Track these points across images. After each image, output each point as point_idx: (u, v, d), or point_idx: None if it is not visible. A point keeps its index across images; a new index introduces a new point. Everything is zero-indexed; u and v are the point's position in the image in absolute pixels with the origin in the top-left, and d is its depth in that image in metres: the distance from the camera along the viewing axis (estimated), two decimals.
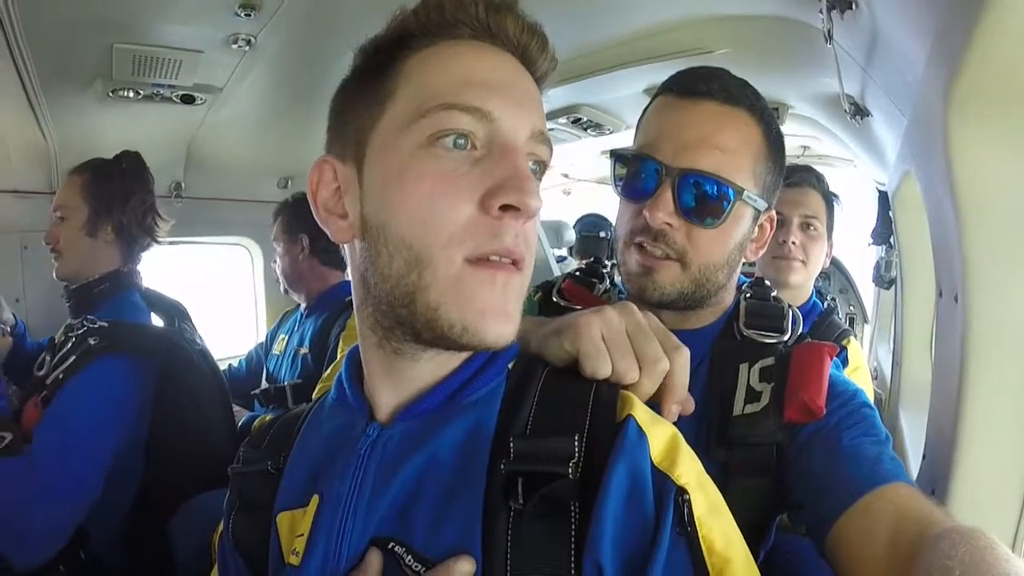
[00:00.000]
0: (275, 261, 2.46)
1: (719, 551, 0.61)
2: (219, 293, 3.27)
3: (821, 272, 2.01)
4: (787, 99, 2.23)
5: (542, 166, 0.69)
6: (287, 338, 2.44)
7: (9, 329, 1.92)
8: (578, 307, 1.02)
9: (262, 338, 2.75)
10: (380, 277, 0.65)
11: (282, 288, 2.49)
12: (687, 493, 0.61)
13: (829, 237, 1.96)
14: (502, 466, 0.62)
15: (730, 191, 0.92)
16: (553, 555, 0.59)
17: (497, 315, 0.63)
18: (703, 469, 0.66)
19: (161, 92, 1.96)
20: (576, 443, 0.62)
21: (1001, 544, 0.62)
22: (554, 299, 1.12)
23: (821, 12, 1.23)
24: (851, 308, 3.31)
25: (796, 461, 0.87)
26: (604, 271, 1.19)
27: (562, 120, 2.69)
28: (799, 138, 2.97)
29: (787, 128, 2.42)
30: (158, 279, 2.05)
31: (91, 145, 1.98)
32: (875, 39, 1.19)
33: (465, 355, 0.70)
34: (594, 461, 0.62)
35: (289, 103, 2.22)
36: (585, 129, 2.82)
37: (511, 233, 0.62)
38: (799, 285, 1.90)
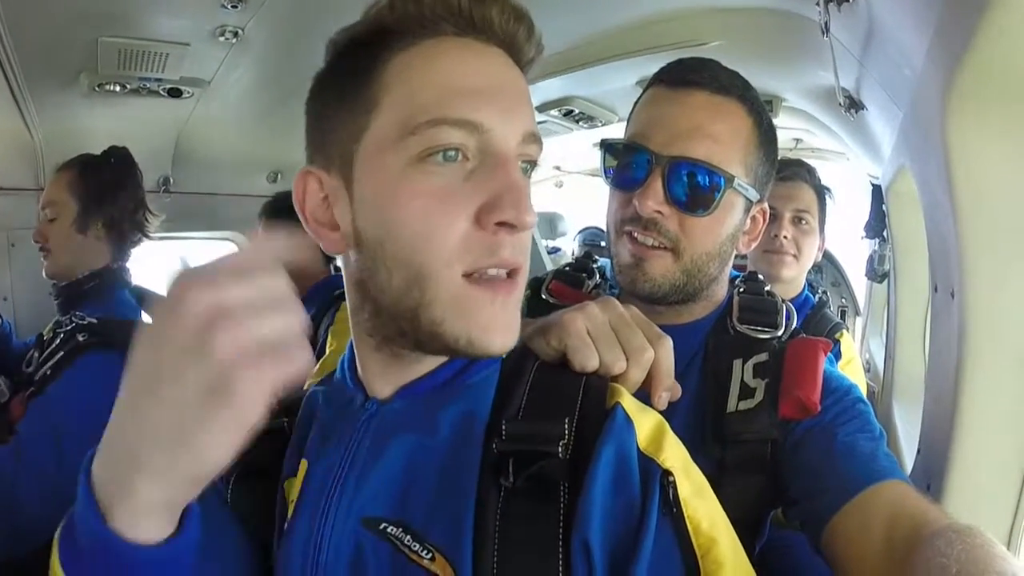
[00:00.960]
0: None
1: (705, 532, 0.62)
2: None
3: (813, 265, 2.02)
4: (781, 92, 2.22)
5: (532, 164, 0.68)
6: None
7: None
8: (567, 303, 1.02)
9: None
10: (381, 291, 0.64)
11: None
12: (672, 475, 0.62)
13: (821, 231, 1.96)
14: (494, 446, 0.63)
15: (721, 179, 0.92)
16: (542, 534, 0.60)
17: (500, 329, 0.63)
18: (688, 455, 0.67)
19: (148, 86, 1.94)
20: (566, 425, 0.63)
21: (997, 542, 0.62)
22: (543, 296, 1.12)
23: (818, 4, 1.23)
24: (843, 301, 3.32)
25: (791, 457, 0.87)
26: (594, 266, 1.18)
27: (554, 112, 2.68)
28: (792, 131, 2.96)
29: (780, 121, 2.41)
30: (148, 275, 2.03)
31: (78, 140, 1.96)
32: (872, 32, 1.19)
33: None
34: (583, 444, 0.63)
35: (278, 96, 2.20)
36: (577, 121, 2.81)
37: (507, 246, 0.62)
38: (791, 279, 1.90)
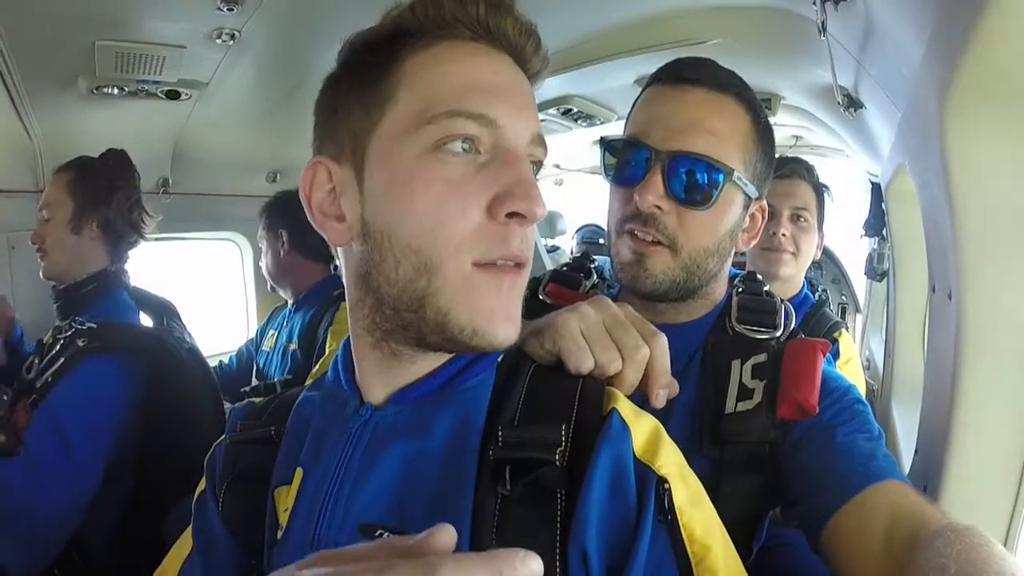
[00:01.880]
0: (261, 259, 2.46)
1: (699, 539, 0.63)
2: (210, 289, 3.25)
3: (813, 262, 2.01)
4: (779, 90, 2.22)
5: (538, 165, 0.69)
6: (276, 334, 2.43)
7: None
8: (564, 305, 1.02)
9: (252, 334, 2.73)
10: (386, 282, 0.64)
11: (268, 285, 2.49)
12: (668, 483, 0.62)
13: (820, 228, 1.96)
14: (490, 453, 0.63)
15: (720, 173, 0.92)
16: (539, 541, 0.60)
17: (503, 317, 0.64)
18: (685, 462, 0.68)
19: (146, 88, 1.93)
20: (563, 432, 0.64)
21: (996, 542, 0.62)
22: (540, 296, 1.12)
23: (815, 3, 1.23)
24: (843, 298, 3.32)
25: (790, 458, 0.87)
26: (592, 265, 1.19)
27: (553, 111, 2.67)
28: (791, 128, 2.96)
29: (779, 118, 2.42)
30: (147, 277, 2.03)
31: (76, 143, 1.96)
32: (870, 31, 1.18)
33: None
34: (580, 450, 0.63)
35: (276, 97, 2.20)
36: (576, 120, 2.80)
37: (517, 238, 0.63)
38: (789, 277, 1.90)
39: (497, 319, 0.63)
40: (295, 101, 2.15)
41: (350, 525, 0.65)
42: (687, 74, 0.96)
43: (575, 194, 5.12)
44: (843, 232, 2.86)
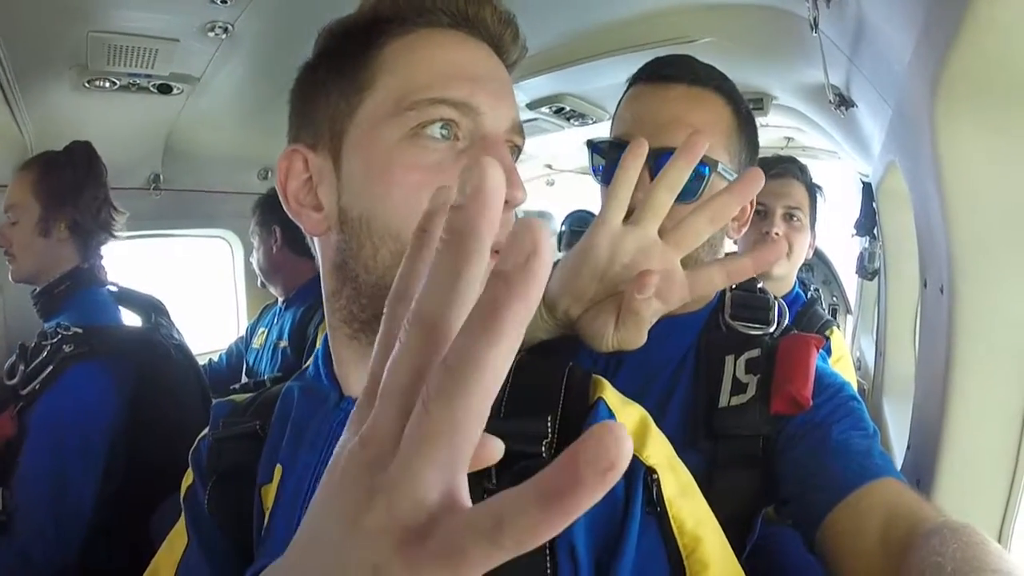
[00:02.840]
0: (252, 255, 2.45)
1: (690, 531, 0.62)
2: (199, 287, 3.22)
3: (804, 263, 2.02)
4: (771, 89, 2.22)
5: (517, 151, 0.70)
6: (267, 331, 2.42)
7: None
8: None
9: (243, 332, 2.71)
10: (364, 270, 0.64)
11: (259, 282, 2.48)
12: (656, 473, 0.61)
13: (812, 228, 1.96)
14: None
15: (704, 167, 0.92)
16: None
17: None
18: (674, 452, 0.67)
19: (138, 82, 1.91)
20: (548, 424, 0.63)
21: (992, 540, 0.62)
22: None
23: (807, 0, 1.23)
24: (834, 299, 3.33)
25: (784, 454, 0.87)
26: None
27: (545, 110, 2.66)
28: (783, 129, 2.97)
29: (771, 119, 2.42)
30: (136, 274, 2.00)
31: (67, 136, 1.92)
32: (861, 28, 1.19)
33: None
34: (566, 441, 0.61)
35: (268, 92, 2.18)
36: (568, 119, 2.79)
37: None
38: (782, 276, 1.90)
39: None
40: (287, 98, 2.12)
41: None
42: (666, 71, 0.98)
43: (567, 194, 5.10)
44: (835, 234, 2.87)
